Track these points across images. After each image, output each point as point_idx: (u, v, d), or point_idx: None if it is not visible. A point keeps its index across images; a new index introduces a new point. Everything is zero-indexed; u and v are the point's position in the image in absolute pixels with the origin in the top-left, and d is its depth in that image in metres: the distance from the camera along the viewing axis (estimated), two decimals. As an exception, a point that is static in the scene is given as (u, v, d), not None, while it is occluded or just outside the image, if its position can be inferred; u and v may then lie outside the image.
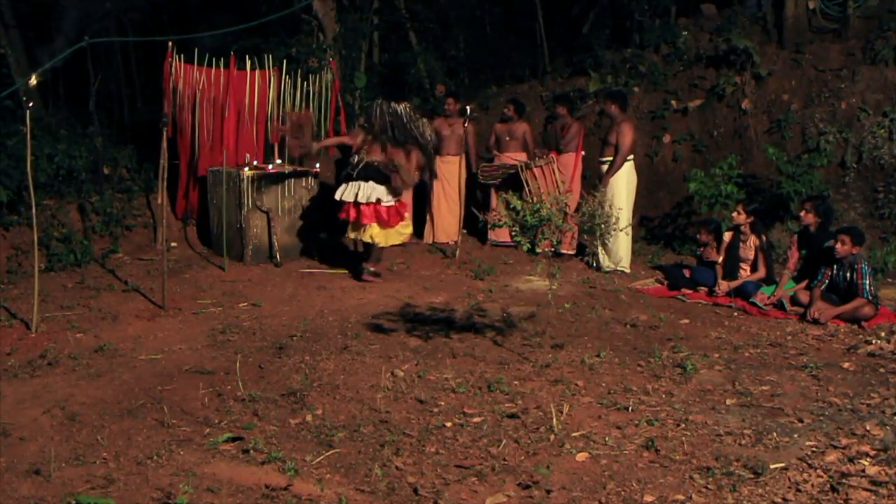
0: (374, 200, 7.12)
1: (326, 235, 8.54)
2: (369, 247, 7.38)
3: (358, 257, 7.70)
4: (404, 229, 7.55)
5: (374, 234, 7.20)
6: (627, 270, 7.81)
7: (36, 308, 5.93)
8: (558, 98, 9.17)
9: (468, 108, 8.80)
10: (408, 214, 7.69)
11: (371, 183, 7.13)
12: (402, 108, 7.25)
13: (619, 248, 7.79)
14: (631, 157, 7.84)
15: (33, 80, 6.27)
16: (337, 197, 7.30)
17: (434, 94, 11.10)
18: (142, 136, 9.32)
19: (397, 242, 7.65)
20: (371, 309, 6.43)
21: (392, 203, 7.23)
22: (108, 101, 11.81)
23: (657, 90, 9.87)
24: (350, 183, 7.22)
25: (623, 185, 7.75)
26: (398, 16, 12.37)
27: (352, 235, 7.43)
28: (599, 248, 7.76)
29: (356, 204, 7.15)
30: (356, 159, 7.25)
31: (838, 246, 6.23)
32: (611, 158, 7.76)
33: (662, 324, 6.11)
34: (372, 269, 7.33)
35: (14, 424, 4.22)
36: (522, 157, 8.78)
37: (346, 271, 7.66)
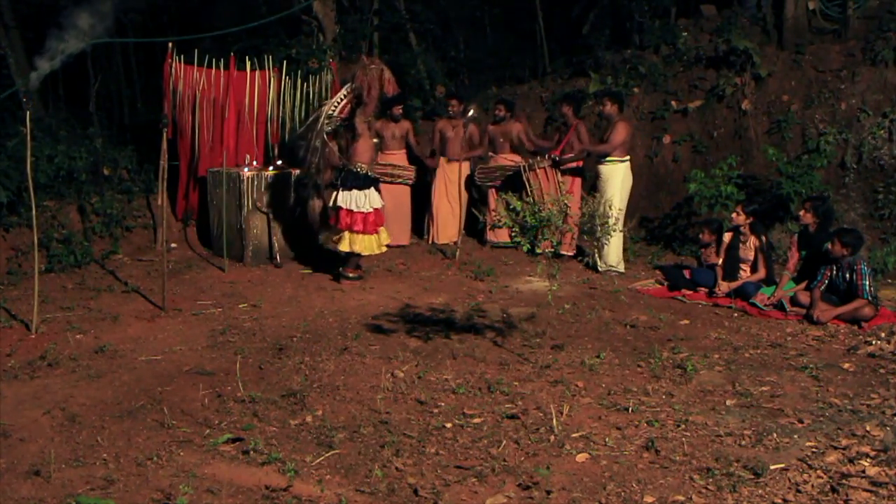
0: (353, 208, 7.08)
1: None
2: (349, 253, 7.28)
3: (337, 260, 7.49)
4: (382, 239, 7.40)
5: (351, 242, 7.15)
6: (622, 271, 7.79)
7: (36, 309, 5.94)
8: (564, 97, 8.91)
9: (471, 109, 8.77)
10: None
11: (354, 191, 7.09)
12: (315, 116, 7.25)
13: (611, 250, 7.77)
14: (627, 158, 7.83)
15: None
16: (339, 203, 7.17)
17: (434, 94, 11.09)
18: (142, 137, 9.33)
19: (373, 252, 7.35)
20: (371, 310, 6.43)
21: (364, 210, 7.11)
22: (108, 102, 11.85)
23: (657, 91, 9.87)
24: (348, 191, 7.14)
25: (618, 186, 7.74)
26: (398, 17, 12.38)
27: (338, 245, 7.25)
28: (597, 249, 7.75)
29: (337, 209, 7.12)
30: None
31: (829, 245, 6.26)
32: (609, 158, 7.75)
33: (662, 324, 6.10)
34: (351, 274, 7.29)
35: (14, 425, 4.23)
36: (518, 157, 8.72)
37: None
